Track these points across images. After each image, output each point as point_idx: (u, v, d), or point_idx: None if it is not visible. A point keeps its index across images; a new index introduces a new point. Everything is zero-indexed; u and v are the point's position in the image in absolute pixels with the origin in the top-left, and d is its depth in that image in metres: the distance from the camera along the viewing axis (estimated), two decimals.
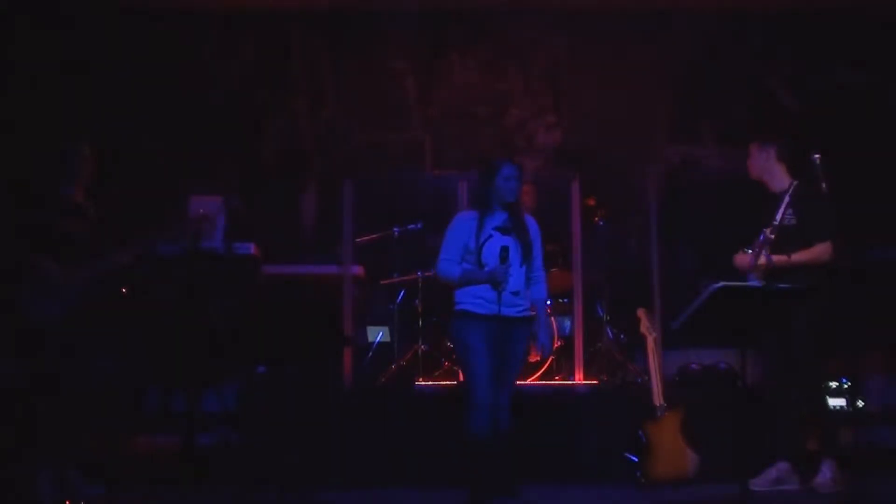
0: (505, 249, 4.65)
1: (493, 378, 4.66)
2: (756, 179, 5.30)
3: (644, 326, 5.53)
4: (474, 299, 4.72)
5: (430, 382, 6.13)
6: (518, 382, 6.05)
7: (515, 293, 4.72)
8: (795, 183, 5.14)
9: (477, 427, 4.65)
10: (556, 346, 6.34)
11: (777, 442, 5.11)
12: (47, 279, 4.95)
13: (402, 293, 6.52)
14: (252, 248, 6.24)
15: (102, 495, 5.03)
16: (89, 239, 5.10)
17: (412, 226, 6.70)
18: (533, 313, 4.87)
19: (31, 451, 4.98)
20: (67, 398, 5.00)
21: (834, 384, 6.20)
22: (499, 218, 4.83)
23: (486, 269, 4.68)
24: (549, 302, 6.49)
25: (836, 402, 6.16)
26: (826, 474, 4.99)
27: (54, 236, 5.03)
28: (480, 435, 4.64)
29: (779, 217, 5.02)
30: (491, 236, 4.73)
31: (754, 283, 4.90)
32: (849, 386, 6.17)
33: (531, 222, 4.91)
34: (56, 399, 4.95)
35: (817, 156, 4.95)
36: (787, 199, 5.06)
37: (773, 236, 4.93)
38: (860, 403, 6.13)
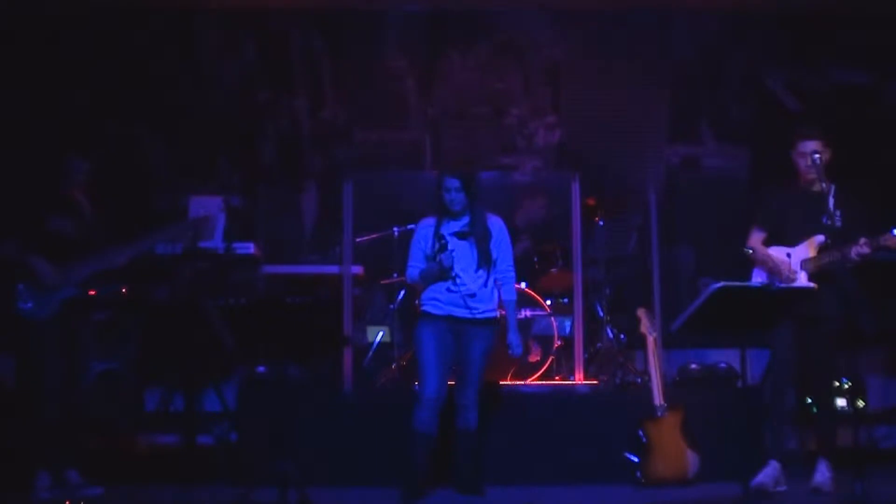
0: (441, 237, 4.90)
1: (442, 376, 4.91)
2: (813, 176, 5.13)
3: (644, 326, 5.53)
4: (431, 300, 4.98)
5: None
6: (518, 382, 6.10)
7: (471, 296, 4.93)
8: (834, 186, 5.09)
9: (420, 422, 4.89)
10: (556, 346, 6.34)
11: (773, 442, 5.08)
12: (41, 278, 4.94)
13: (402, 293, 6.51)
14: (252, 248, 6.24)
15: (102, 495, 5.02)
16: (85, 238, 5.09)
17: (412, 226, 6.69)
18: (499, 314, 5.07)
19: (28, 451, 4.98)
20: (63, 397, 5.00)
21: (834, 384, 6.19)
22: (459, 223, 5.02)
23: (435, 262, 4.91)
24: (549, 301, 6.51)
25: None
26: (825, 473, 4.99)
27: (48, 236, 5.02)
28: (422, 429, 4.90)
29: (829, 219, 4.99)
30: (447, 242, 4.93)
31: (755, 283, 4.91)
32: (849, 386, 6.17)
33: (496, 226, 5.08)
34: (52, 398, 4.95)
35: (817, 155, 4.94)
36: (831, 200, 5.02)
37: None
38: (860, 403, 6.12)
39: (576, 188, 6.23)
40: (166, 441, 5.68)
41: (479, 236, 4.99)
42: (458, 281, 4.90)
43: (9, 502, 5.01)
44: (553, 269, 6.70)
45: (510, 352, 5.06)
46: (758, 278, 5.10)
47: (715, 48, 7.95)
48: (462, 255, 4.93)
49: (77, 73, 7.42)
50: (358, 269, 6.47)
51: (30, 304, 4.92)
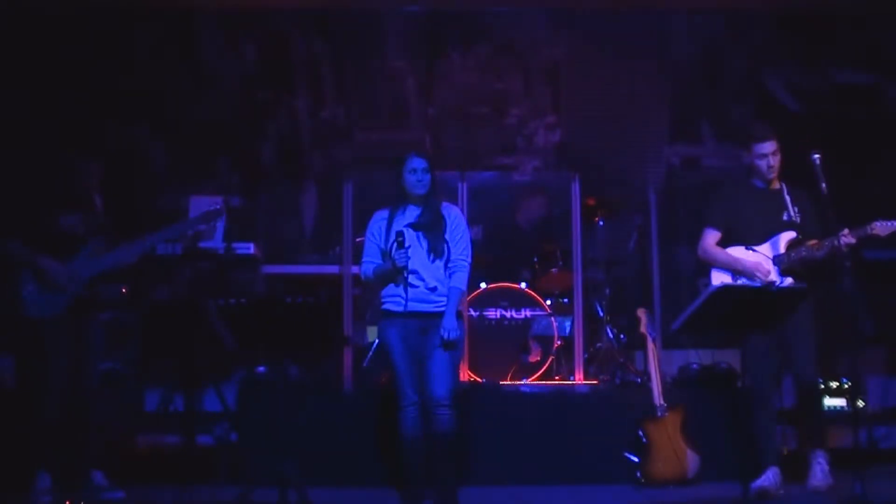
0: (399, 234, 4.69)
1: (415, 376, 4.71)
2: (774, 175, 5.15)
3: (644, 326, 5.53)
4: (391, 297, 4.78)
5: None
6: (518, 382, 6.10)
7: (432, 288, 4.73)
8: (784, 183, 5.13)
9: (406, 426, 4.71)
10: (556, 346, 6.34)
11: (767, 447, 5.03)
12: (52, 278, 4.94)
13: None
14: (252, 248, 6.24)
15: (123, 499, 5.01)
16: (93, 237, 5.09)
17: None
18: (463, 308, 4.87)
19: (28, 452, 4.98)
20: (69, 398, 4.99)
21: (834, 384, 6.19)
22: (412, 214, 4.84)
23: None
24: (549, 301, 6.51)
25: (836, 402, 6.16)
26: (824, 468, 4.97)
27: (59, 235, 5.02)
28: (410, 433, 4.71)
29: (791, 215, 5.01)
30: (404, 239, 4.71)
31: (755, 283, 4.90)
32: (849, 386, 6.16)
33: (450, 214, 4.87)
34: (53, 398, 4.95)
35: (817, 156, 4.93)
36: (787, 197, 5.04)
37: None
38: (860, 403, 6.12)
39: (576, 188, 6.22)
40: (166, 441, 5.68)
41: (431, 224, 4.77)
42: (413, 278, 4.67)
43: (9, 503, 5.01)
44: (553, 269, 6.70)
45: (443, 334, 4.68)
46: (717, 280, 5.05)
47: (715, 48, 7.95)
48: (418, 247, 4.74)
49: (77, 73, 7.42)
50: (358, 269, 6.47)
51: (36, 304, 4.92)
